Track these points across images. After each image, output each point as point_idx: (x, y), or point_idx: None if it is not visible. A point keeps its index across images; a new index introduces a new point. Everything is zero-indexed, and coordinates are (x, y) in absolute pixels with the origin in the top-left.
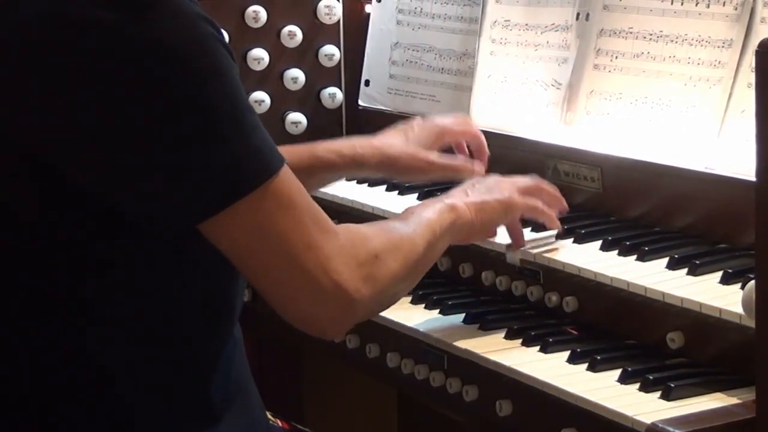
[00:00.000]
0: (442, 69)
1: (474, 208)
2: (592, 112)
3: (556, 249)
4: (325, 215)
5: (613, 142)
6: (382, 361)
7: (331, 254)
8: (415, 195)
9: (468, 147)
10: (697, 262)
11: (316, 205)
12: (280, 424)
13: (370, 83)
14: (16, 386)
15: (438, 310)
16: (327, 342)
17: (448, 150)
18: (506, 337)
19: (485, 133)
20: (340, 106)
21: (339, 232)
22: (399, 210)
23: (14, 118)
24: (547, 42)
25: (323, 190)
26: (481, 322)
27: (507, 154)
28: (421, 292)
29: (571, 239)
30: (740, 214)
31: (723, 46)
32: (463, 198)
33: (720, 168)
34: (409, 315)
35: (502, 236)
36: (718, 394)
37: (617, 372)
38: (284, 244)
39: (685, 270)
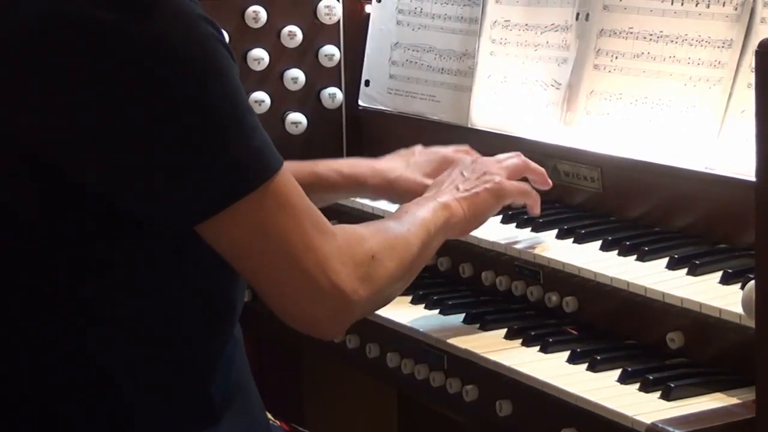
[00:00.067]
0: (442, 69)
1: (466, 204)
2: (592, 112)
3: (556, 249)
4: (322, 216)
5: (613, 142)
6: (382, 361)
7: (329, 255)
8: None
9: None
10: (697, 262)
11: (314, 206)
12: (279, 425)
13: (370, 83)
14: (16, 386)
15: (438, 310)
16: (327, 342)
17: None
18: (506, 337)
19: (485, 133)
20: (340, 106)
21: (336, 232)
22: None
23: (14, 118)
24: (547, 42)
25: None
26: (481, 322)
27: None
28: (421, 292)
29: (571, 239)
30: (740, 214)
31: (723, 47)
32: (454, 194)
33: (720, 168)
34: (409, 315)
35: (503, 236)
36: (718, 394)
37: (617, 372)
38: (283, 244)
39: (685, 270)
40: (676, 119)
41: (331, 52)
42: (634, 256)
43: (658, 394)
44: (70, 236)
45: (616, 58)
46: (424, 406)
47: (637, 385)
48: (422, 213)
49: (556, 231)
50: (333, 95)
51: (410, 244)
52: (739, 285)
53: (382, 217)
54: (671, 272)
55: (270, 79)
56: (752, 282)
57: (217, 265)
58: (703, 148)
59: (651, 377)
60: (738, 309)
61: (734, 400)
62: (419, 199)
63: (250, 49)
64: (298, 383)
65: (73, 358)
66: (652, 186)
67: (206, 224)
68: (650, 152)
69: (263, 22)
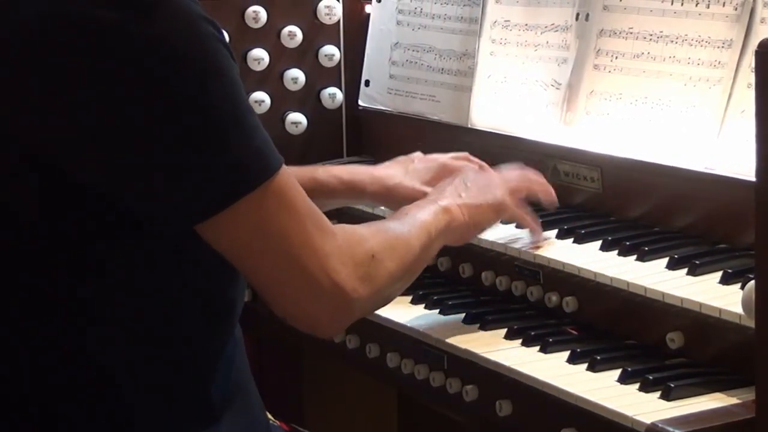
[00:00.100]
0: (442, 69)
1: (467, 211)
2: (591, 112)
3: (556, 249)
4: (323, 216)
5: (613, 143)
6: (382, 361)
7: (330, 254)
8: None
9: None
10: (697, 262)
11: (314, 205)
12: (279, 425)
13: (370, 83)
14: (16, 386)
15: (438, 310)
16: (327, 342)
17: None
18: (506, 337)
19: (485, 133)
20: (340, 106)
21: (336, 232)
22: None
23: (14, 118)
24: (547, 42)
25: None
26: (481, 322)
27: (506, 155)
28: (421, 292)
29: (571, 239)
30: (740, 214)
31: (723, 47)
32: (456, 200)
33: (720, 168)
34: (409, 315)
35: (503, 237)
36: (718, 394)
37: (617, 372)
38: (284, 243)
39: (685, 270)
40: (676, 119)
41: (331, 52)
42: (634, 256)
43: (658, 394)
44: (70, 236)
45: (616, 58)
46: (424, 406)
47: (637, 385)
48: (423, 215)
49: (556, 231)
50: (333, 95)
51: (411, 244)
52: (739, 285)
53: (383, 218)
54: (671, 272)
55: (270, 79)
56: (752, 282)
57: (217, 265)
58: (703, 148)
59: (651, 377)
60: (738, 309)
61: (734, 400)
62: (420, 202)
63: (250, 49)
64: (298, 383)
65: (73, 358)
66: (652, 186)
67: (206, 224)
68: (650, 152)
69: (263, 22)
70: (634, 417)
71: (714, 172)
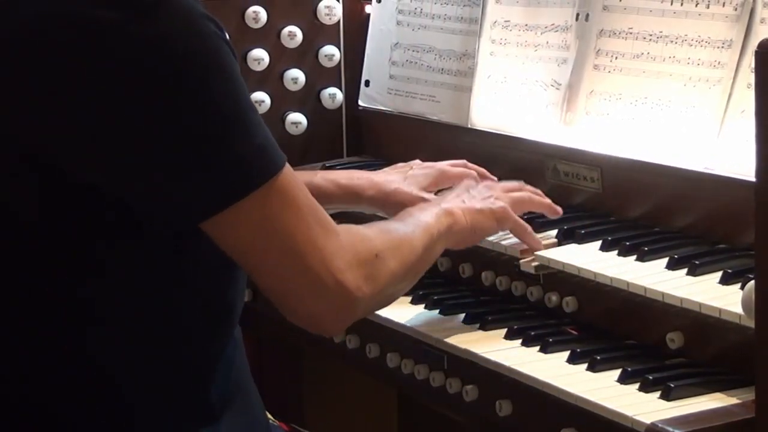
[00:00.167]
0: (442, 69)
1: (470, 216)
2: (591, 112)
3: (556, 249)
4: (326, 214)
5: (612, 143)
6: (382, 361)
7: (334, 252)
8: None
9: None
10: (697, 262)
11: (318, 203)
12: (279, 425)
13: (370, 83)
14: (16, 386)
15: (438, 310)
16: (327, 342)
17: None
18: (506, 337)
19: (485, 133)
20: (340, 106)
21: (340, 231)
22: None
23: (14, 118)
24: (547, 42)
25: None
26: (481, 322)
27: (506, 155)
28: (421, 292)
29: (571, 239)
30: (740, 214)
31: (723, 47)
32: (459, 204)
33: (720, 168)
34: (409, 315)
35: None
36: (718, 394)
37: (617, 372)
38: (288, 241)
39: (685, 270)
40: (676, 119)
41: (331, 53)
42: (634, 256)
43: (657, 394)
44: (70, 236)
45: (616, 58)
46: (424, 406)
47: (637, 385)
48: (426, 217)
49: (556, 231)
50: (333, 95)
51: (414, 245)
52: (738, 285)
53: (386, 219)
54: (671, 272)
55: (270, 80)
56: (752, 282)
57: (217, 265)
58: (703, 148)
59: (651, 377)
60: (738, 309)
61: (734, 400)
62: (423, 205)
63: (250, 50)
64: (298, 383)
65: (73, 358)
66: (652, 186)
67: (210, 222)
68: (650, 152)
69: (263, 22)
70: (634, 417)
71: (714, 172)
